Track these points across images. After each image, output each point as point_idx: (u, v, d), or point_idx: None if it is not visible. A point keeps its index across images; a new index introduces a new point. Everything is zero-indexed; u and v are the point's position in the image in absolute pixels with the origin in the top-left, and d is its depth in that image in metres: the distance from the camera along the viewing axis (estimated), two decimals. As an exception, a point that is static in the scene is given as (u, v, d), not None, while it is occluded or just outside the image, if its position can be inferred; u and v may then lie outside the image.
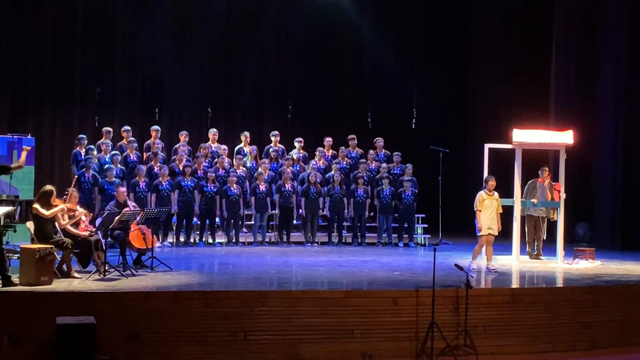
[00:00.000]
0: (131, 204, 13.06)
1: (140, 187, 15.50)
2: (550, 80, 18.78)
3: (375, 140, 17.98)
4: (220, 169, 16.54)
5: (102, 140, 16.46)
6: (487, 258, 13.26)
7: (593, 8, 18.16)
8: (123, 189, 13.06)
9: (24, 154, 11.40)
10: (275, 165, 17.18)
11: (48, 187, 11.54)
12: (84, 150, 16.03)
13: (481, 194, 13.29)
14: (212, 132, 17.39)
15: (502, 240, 16.02)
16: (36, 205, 11.23)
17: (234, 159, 16.92)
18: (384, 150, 17.87)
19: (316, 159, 17.43)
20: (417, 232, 17.47)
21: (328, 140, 17.85)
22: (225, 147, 17.20)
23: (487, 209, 13.21)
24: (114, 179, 15.19)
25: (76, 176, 13.67)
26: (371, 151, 17.77)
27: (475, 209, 13.32)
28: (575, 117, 17.36)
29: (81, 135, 16.42)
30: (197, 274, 12.31)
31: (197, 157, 16.60)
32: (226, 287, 10.88)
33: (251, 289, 10.67)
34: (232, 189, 16.08)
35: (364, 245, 16.78)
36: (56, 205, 11.39)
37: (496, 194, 13.37)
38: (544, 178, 14.87)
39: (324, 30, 20.24)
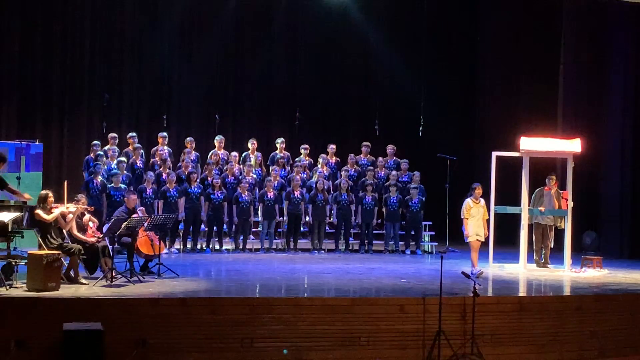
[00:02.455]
0: (140, 210, 13.08)
1: (148, 193, 15.53)
2: (558, 88, 18.76)
3: (387, 147, 17.98)
4: (230, 176, 16.56)
5: (107, 146, 16.49)
6: (472, 263, 13.41)
7: (602, 16, 18.14)
8: (134, 196, 13.10)
9: (23, 195, 11.71)
10: (283, 172, 17.19)
11: (44, 191, 11.65)
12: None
13: (468, 202, 13.48)
14: (218, 140, 17.38)
15: (509, 249, 16.04)
16: (38, 211, 11.29)
17: (245, 166, 16.90)
18: (394, 157, 17.88)
19: (319, 165, 17.44)
20: (424, 239, 17.46)
21: (332, 147, 17.85)
22: (236, 153, 17.19)
23: (473, 216, 13.43)
24: (120, 184, 15.21)
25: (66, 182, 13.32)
26: (380, 158, 17.78)
27: (462, 217, 13.51)
28: (583, 126, 17.37)
29: (95, 142, 16.47)
30: (204, 280, 12.32)
31: (208, 163, 16.62)
32: (233, 294, 10.89)
33: (258, 296, 10.69)
34: (243, 195, 16.10)
35: (370, 253, 16.76)
36: (55, 207, 11.45)
37: (482, 201, 13.56)
38: (551, 186, 14.85)
39: (331, 38, 20.26)
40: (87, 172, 16.01)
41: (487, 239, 14.05)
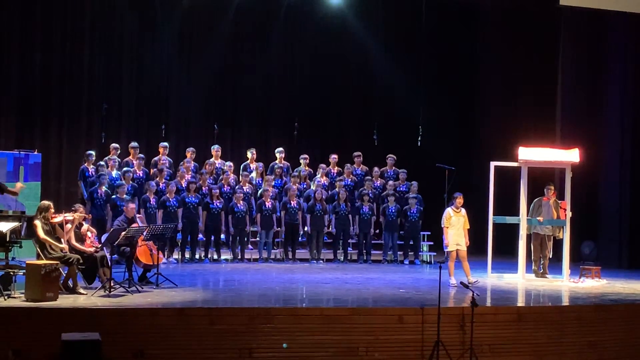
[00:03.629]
0: (139, 218, 13.06)
1: (151, 203, 15.55)
2: (557, 98, 18.78)
3: (387, 156, 18.00)
4: (225, 186, 16.57)
5: (109, 156, 16.50)
6: (465, 273, 13.46)
7: (600, 26, 18.21)
8: (133, 205, 13.09)
9: (18, 187, 11.78)
10: (279, 182, 17.19)
11: (45, 202, 11.65)
12: (91, 166, 16.08)
13: (448, 211, 13.61)
14: (215, 149, 17.40)
15: (507, 259, 16.03)
16: (36, 222, 11.28)
17: (240, 176, 16.94)
18: (393, 167, 17.89)
19: (318, 175, 17.45)
20: (422, 249, 17.46)
21: (334, 157, 17.89)
22: (231, 163, 17.22)
23: (454, 225, 13.54)
24: (125, 195, 15.20)
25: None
26: (376, 168, 17.79)
27: (442, 226, 13.62)
28: (581, 135, 17.38)
29: (89, 152, 16.45)
30: (202, 290, 12.31)
31: (202, 173, 16.64)
32: (231, 304, 10.87)
33: (256, 306, 10.67)
34: (238, 205, 16.10)
35: (369, 263, 16.75)
36: (55, 217, 11.45)
37: (463, 211, 13.68)
38: (550, 196, 14.87)
39: (330, 48, 20.26)
40: (82, 181, 15.99)
41: (482, 249, 14.05)
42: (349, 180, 17.51)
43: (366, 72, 20.92)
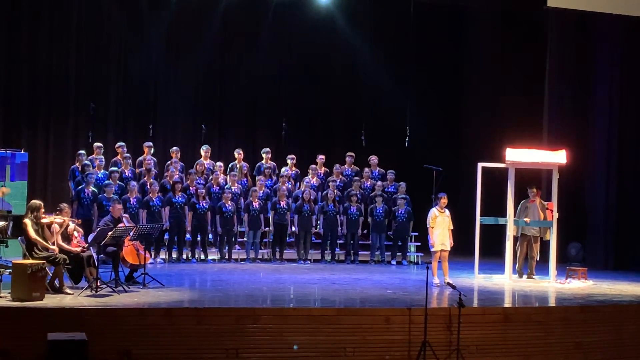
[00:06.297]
0: (125, 218, 13.03)
1: (131, 202, 15.48)
2: (544, 100, 18.83)
3: (369, 158, 18.02)
4: (215, 186, 16.55)
5: (93, 155, 16.43)
6: (444, 273, 13.56)
7: (587, 27, 18.27)
8: (119, 205, 13.05)
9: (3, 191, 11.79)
10: (269, 182, 17.17)
11: (36, 201, 11.57)
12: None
13: (434, 211, 13.70)
14: (204, 149, 17.38)
15: (495, 259, 16.06)
16: (26, 221, 11.22)
17: (229, 176, 16.90)
18: (378, 168, 17.92)
19: (309, 176, 17.45)
20: (410, 250, 17.47)
21: (321, 157, 17.89)
22: (221, 163, 17.20)
23: (439, 225, 13.60)
24: (112, 195, 15.14)
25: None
26: (366, 169, 17.80)
27: (428, 226, 13.71)
28: (568, 137, 17.44)
29: (81, 151, 16.41)
30: (190, 290, 12.29)
31: (190, 173, 16.60)
32: (218, 304, 10.86)
33: (243, 306, 10.66)
34: (226, 205, 16.07)
35: (356, 263, 16.77)
36: (44, 217, 11.39)
37: (447, 211, 13.73)
38: (534, 198, 14.90)
39: (318, 49, 20.22)
40: (72, 181, 15.94)
41: (470, 249, 14.07)
42: (339, 180, 17.51)
43: (354, 72, 20.89)
